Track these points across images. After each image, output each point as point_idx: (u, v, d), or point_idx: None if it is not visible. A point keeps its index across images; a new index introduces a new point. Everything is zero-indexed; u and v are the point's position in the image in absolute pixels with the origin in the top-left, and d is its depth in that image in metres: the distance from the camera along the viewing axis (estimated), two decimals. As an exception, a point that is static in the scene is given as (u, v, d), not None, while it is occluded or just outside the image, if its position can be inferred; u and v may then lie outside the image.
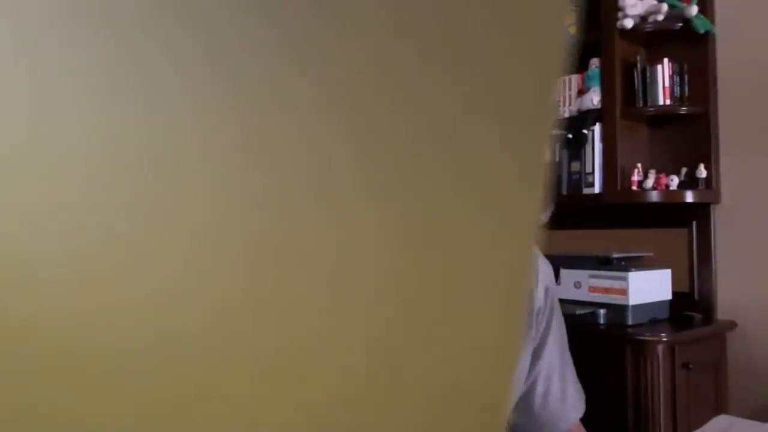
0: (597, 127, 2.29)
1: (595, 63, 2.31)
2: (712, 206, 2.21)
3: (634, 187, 2.21)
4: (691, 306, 2.19)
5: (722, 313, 2.18)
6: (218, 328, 0.15)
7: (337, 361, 0.16)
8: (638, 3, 2.18)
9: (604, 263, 2.06)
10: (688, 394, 1.94)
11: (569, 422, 1.02)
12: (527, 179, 0.18)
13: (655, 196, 2.18)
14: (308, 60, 0.15)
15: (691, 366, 1.94)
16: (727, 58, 2.19)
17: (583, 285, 2.07)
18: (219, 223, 0.15)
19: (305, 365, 0.16)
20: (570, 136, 2.34)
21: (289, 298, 0.16)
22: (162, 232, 0.15)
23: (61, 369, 0.14)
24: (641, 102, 2.21)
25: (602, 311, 2.01)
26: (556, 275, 2.13)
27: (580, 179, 2.34)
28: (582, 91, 2.35)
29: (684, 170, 2.21)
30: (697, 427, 1.32)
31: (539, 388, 0.98)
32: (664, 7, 2.16)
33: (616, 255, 2.08)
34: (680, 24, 2.16)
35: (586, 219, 2.43)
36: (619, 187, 2.22)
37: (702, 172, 2.16)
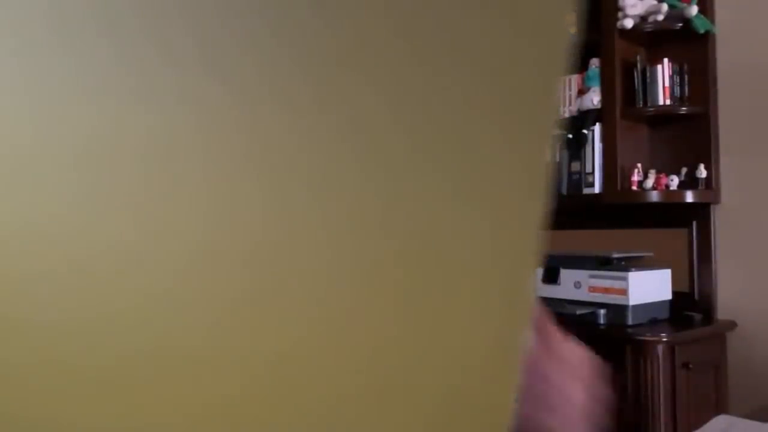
0: (597, 127, 2.29)
1: (595, 63, 2.31)
2: (712, 206, 2.21)
3: (634, 187, 2.21)
4: (691, 306, 2.19)
5: (722, 313, 2.18)
6: (217, 330, 0.15)
7: (337, 365, 0.16)
8: (638, 3, 2.18)
9: (604, 263, 2.06)
10: (688, 394, 1.94)
11: None
12: (529, 180, 0.18)
13: (655, 196, 2.18)
14: (306, 60, 0.15)
15: (691, 366, 1.94)
16: (727, 58, 2.19)
17: (583, 285, 2.07)
18: (217, 225, 0.15)
19: (305, 369, 0.16)
20: (570, 136, 2.34)
21: (288, 300, 0.16)
22: (159, 234, 0.15)
23: (55, 374, 0.14)
24: (641, 102, 2.21)
25: (602, 311, 2.01)
26: (556, 275, 2.13)
27: (580, 179, 2.34)
28: (582, 91, 2.35)
29: (684, 170, 2.21)
30: (697, 427, 1.32)
31: None
32: (664, 7, 2.16)
33: (616, 255, 2.08)
34: (680, 24, 2.16)
35: (586, 219, 2.43)
36: (619, 187, 2.22)
37: (702, 172, 2.16)
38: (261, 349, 0.16)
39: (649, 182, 2.19)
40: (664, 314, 2.09)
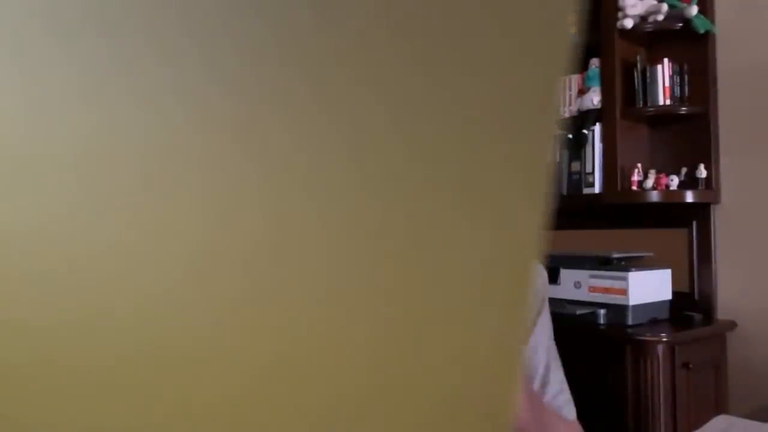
0: (597, 127, 2.29)
1: (595, 63, 2.31)
2: (712, 206, 2.21)
3: (634, 187, 2.21)
4: (691, 306, 2.19)
5: (722, 313, 2.18)
6: (216, 331, 0.15)
7: (337, 366, 0.16)
8: (638, 3, 2.18)
9: (604, 263, 2.06)
10: (688, 394, 1.94)
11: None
12: (530, 182, 0.18)
13: (655, 196, 2.18)
14: (305, 61, 0.15)
15: (691, 366, 1.94)
16: (727, 58, 2.19)
17: (583, 285, 2.07)
18: (216, 225, 0.15)
19: (306, 369, 0.16)
20: (570, 136, 2.34)
21: (288, 301, 0.16)
22: (158, 234, 0.15)
23: (55, 374, 0.14)
24: (641, 102, 2.21)
25: (602, 311, 2.01)
26: (556, 275, 2.13)
27: (580, 179, 2.34)
28: (582, 91, 2.35)
29: (684, 170, 2.21)
30: (697, 427, 1.32)
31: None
32: (664, 7, 2.16)
33: (616, 255, 2.08)
34: (680, 24, 2.16)
35: (586, 219, 2.43)
36: (619, 187, 2.22)
37: (702, 172, 2.16)
38: (261, 350, 0.16)
39: (649, 182, 2.19)
40: (664, 314, 2.09)
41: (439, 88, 0.17)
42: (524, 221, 0.18)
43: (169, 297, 0.15)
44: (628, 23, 2.17)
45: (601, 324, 2.00)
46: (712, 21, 2.18)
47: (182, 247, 0.15)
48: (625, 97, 2.24)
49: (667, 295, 2.10)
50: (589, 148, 2.31)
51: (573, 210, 2.38)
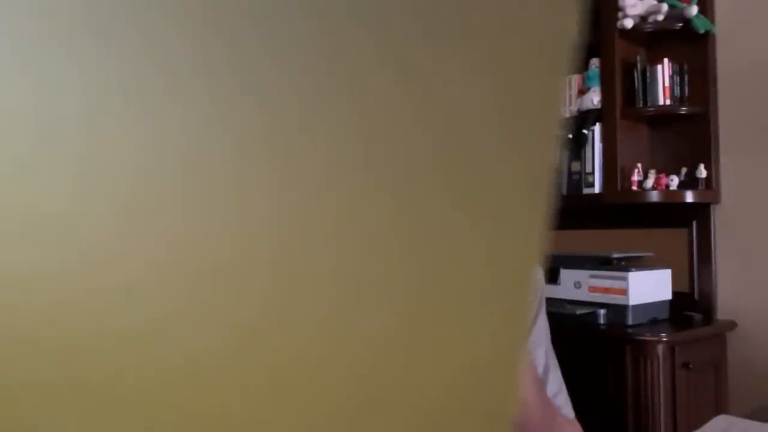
0: (597, 127, 2.29)
1: (595, 63, 2.30)
2: (712, 206, 2.21)
3: (634, 187, 2.21)
4: (691, 306, 2.19)
5: (722, 313, 2.18)
6: (223, 339, 0.15)
7: (340, 367, 0.16)
8: (638, 3, 2.18)
9: (604, 263, 2.06)
10: (688, 394, 1.94)
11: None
12: (532, 183, 0.18)
13: (655, 196, 2.18)
14: (303, 63, 0.15)
15: (691, 366, 1.94)
16: (727, 58, 2.19)
17: (583, 285, 2.07)
18: (223, 236, 0.15)
19: (310, 377, 0.16)
20: (570, 136, 2.34)
21: (293, 311, 0.16)
22: (155, 236, 0.14)
23: (60, 390, 0.14)
24: (641, 102, 2.21)
25: (602, 311, 2.01)
26: (556, 275, 2.13)
27: (580, 179, 2.34)
28: (582, 91, 2.35)
29: (684, 170, 2.21)
30: (697, 427, 1.32)
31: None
32: (664, 7, 2.16)
33: (616, 255, 2.08)
34: (680, 24, 2.16)
35: (586, 219, 2.43)
36: (619, 187, 2.22)
37: (702, 172, 2.16)
38: (268, 361, 0.16)
39: (649, 182, 2.19)
40: (664, 314, 2.09)
41: (442, 88, 0.17)
42: (526, 222, 0.18)
43: (176, 307, 0.15)
44: (628, 23, 2.17)
45: (601, 324, 2.00)
46: (712, 21, 2.18)
47: (185, 255, 0.15)
48: (625, 97, 2.24)
49: (667, 295, 2.10)
50: (589, 148, 2.31)
51: (573, 210, 2.38)
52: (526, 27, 0.17)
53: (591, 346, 1.95)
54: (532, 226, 0.18)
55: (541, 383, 0.87)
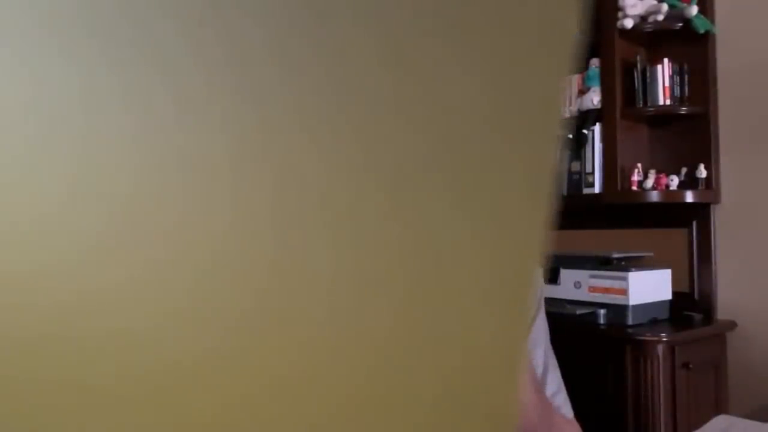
0: (597, 127, 2.29)
1: (595, 63, 2.31)
2: (712, 206, 2.21)
3: (634, 187, 2.21)
4: (691, 306, 2.19)
5: (722, 313, 2.18)
6: (221, 340, 0.15)
7: (340, 369, 0.16)
8: (638, 3, 2.18)
9: (604, 263, 2.06)
10: (688, 394, 1.94)
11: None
12: (533, 184, 0.18)
13: (655, 196, 2.18)
14: (302, 64, 0.15)
15: (691, 366, 1.94)
16: (727, 58, 2.19)
17: (583, 285, 2.07)
18: (222, 236, 0.15)
19: (310, 377, 0.16)
20: (570, 136, 2.34)
21: (293, 307, 0.16)
22: (154, 238, 0.14)
23: (60, 390, 0.14)
24: (641, 102, 2.21)
25: (602, 311, 2.01)
26: (556, 275, 2.13)
27: (580, 179, 2.34)
28: (582, 91, 2.35)
29: (684, 170, 2.21)
30: (697, 427, 1.32)
31: None
32: (664, 7, 2.16)
33: (616, 255, 2.08)
34: (680, 24, 2.16)
35: (586, 219, 2.43)
36: (619, 187, 2.22)
37: (702, 172, 2.16)
38: (266, 363, 0.16)
39: (649, 182, 2.19)
40: (664, 314, 2.09)
41: (443, 89, 0.16)
42: (527, 222, 0.18)
43: (175, 307, 0.15)
44: (628, 23, 2.17)
45: (601, 324, 2.00)
46: (712, 21, 2.18)
47: (185, 254, 0.15)
48: (625, 97, 2.24)
49: (667, 295, 2.10)
50: (589, 148, 2.31)
51: (573, 210, 2.38)
52: (528, 26, 0.17)
53: (591, 346, 1.96)
54: (533, 226, 0.18)
55: (540, 383, 0.86)
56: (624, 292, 1.97)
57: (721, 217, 2.20)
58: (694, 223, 2.24)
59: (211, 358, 0.15)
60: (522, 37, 0.17)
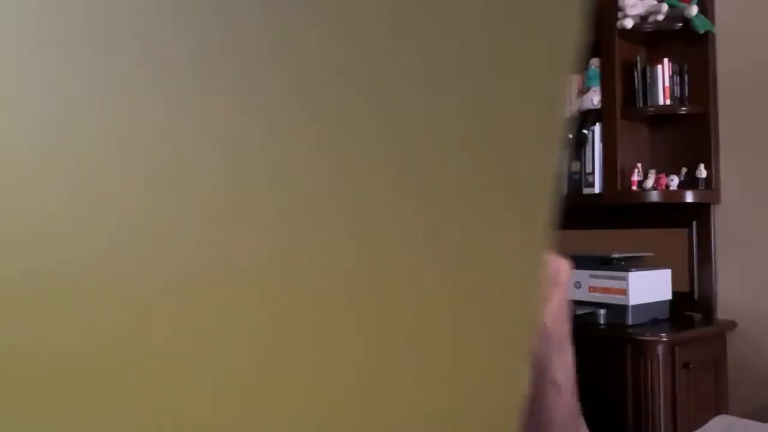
0: (597, 127, 2.29)
1: (595, 63, 2.31)
2: (712, 206, 2.21)
3: (634, 188, 2.21)
4: (691, 306, 2.19)
5: (722, 313, 2.18)
6: (221, 343, 0.15)
7: (336, 373, 0.16)
8: (638, 3, 2.18)
9: (604, 263, 2.06)
10: (688, 394, 1.94)
11: None
12: (533, 184, 0.18)
13: (655, 196, 2.18)
14: (301, 65, 0.15)
15: (691, 366, 1.94)
16: (727, 58, 2.19)
17: (583, 285, 2.07)
18: (222, 236, 0.15)
19: (310, 379, 0.16)
20: (570, 136, 2.35)
21: (292, 313, 0.16)
22: (153, 239, 0.14)
23: (60, 391, 0.14)
24: (641, 102, 2.21)
25: (602, 311, 2.01)
26: (556, 275, 2.13)
27: (580, 179, 2.35)
28: (582, 91, 2.35)
29: (684, 170, 2.21)
30: (697, 427, 1.32)
31: None
32: (664, 7, 2.16)
33: (616, 255, 2.08)
34: (680, 24, 2.16)
35: (586, 219, 2.43)
36: (619, 188, 2.22)
37: (702, 172, 2.16)
38: (258, 355, 0.16)
39: (649, 182, 2.19)
40: (665, 314, 2.09)
41: (445, 89, 0.16)
42: (529, 222, 0.18)
43: (176, 309, 0.15)
44: (628, 23, 2.17)
45: (601, 324, 2.00)
46: (712, 21, 2.18)
47: (185, 255, 0.15)
48: (625, 97, 2.24)
49: (667, 295, 2.10)
50: (589, 148, 2.31)
51: (573, 210, 2.38)
52: (529, 26, 0.17)
53: (591, 346, 1.96)
54: (535, 226, 0.18)
55: (574, 385, 0.86)
56: (624, 292, 1.97)
57: (721, 218, 2.20)
58: (694, 224, 2.24)
59: (211, 358, 0.15)
60: (524, 37, 0.17)
